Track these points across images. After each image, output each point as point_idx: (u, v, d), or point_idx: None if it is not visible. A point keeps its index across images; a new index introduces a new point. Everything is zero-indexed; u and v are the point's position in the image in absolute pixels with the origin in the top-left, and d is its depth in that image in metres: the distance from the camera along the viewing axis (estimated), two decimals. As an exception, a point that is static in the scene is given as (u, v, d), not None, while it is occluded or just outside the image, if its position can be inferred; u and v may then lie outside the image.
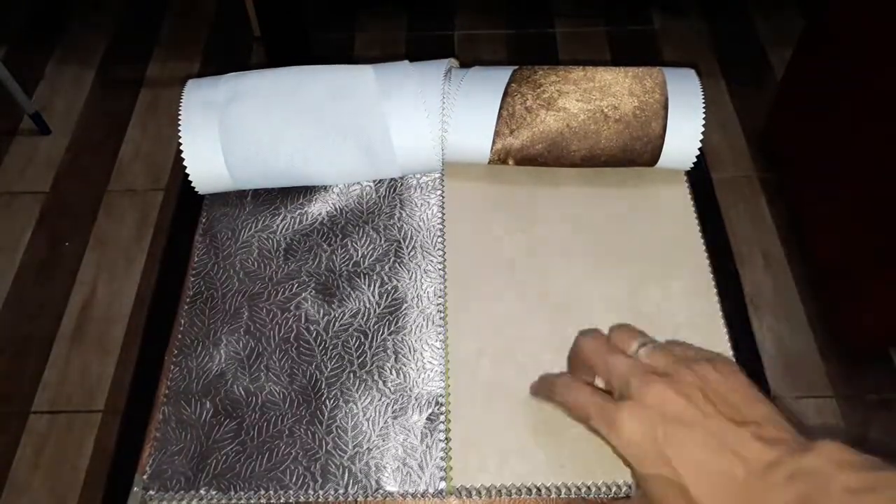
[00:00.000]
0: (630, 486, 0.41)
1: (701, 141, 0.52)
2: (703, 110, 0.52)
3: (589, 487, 0.41)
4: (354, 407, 0.45)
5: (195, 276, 0.51)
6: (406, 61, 0.55)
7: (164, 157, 1.44)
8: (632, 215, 0.53)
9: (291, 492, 0.42)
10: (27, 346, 1.18)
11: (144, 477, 0.42)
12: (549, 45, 1.63)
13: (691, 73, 0.54)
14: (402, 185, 0.55)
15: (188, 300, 0.50)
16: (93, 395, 1.13)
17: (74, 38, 1.67)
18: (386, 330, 0.48)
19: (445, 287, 0.49)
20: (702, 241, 0.52)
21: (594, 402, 0.35)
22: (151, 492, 0.41)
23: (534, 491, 0.41)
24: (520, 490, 0.41)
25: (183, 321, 0.49)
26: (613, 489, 0.41)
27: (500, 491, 0.41)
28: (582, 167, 0.54)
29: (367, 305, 0.49)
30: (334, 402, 0.45)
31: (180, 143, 0.51)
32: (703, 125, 0.52)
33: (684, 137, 0.52)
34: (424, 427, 0.44)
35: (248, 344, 0.47)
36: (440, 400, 0.45)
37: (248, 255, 0.52)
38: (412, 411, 0.44)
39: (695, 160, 0.53)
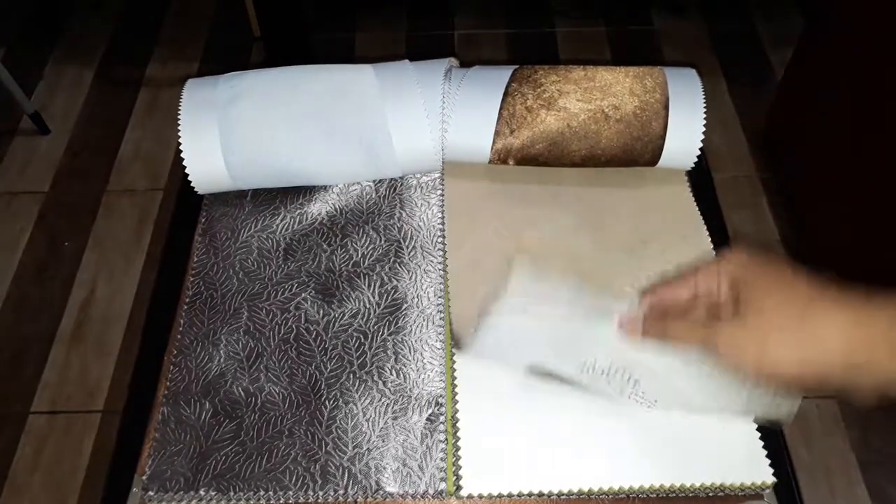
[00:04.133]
0: (627, 492, 0.41)
1: (702, 141, 0.52)
2: (704, 110, 0.52)
3: (590, 491, 0.41)
4: (354, 407, 0.44)
5: (195, 275, 0.51)
6: (406, 61, 0.55)
7: (164, 157, 1.44)
8: (633, 215, 0.53)
9: (291, 492, 0.41)
10: (27, 346, 1.18)
11: (144, 478, 0.42)
12: (549, 45, 1.62)
13: (692, 72, 0.54)
14: (402, 185, 0.55)
15: (188, 300, 0.49)
16: (92, 396, 1.13)
17: (74, 38, 1.66)
18: (386, 330, 0.48)
19: (445, 287, 0.49)
20: (707, 239, 0.51)
21: (699, 334, 0.38)
22: (151, 492, 0.41)
23: (535, 493, 0.41)
24: (520, 492, 0.41)
25: (182, 321, 0.48)
26: (612, 493, 0.41)
27: (500, 493, 0.41)
28: (582, 167, 0.54)
29: (367, 306, 0.49)
30: (334, 402, 0.45)
31: (180, 143, 0.51)
32: (704, 125, 0.52)
33: (685, 137, 0.52)
34: (424, 427, 0.44)
35: (248, 344, 0.47)
36: (440, 400, 0.45)
37: (248, 255, 0.52)
38: (412, 412, 0.44)
39: (696, 160, 0.53)
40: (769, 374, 0.35)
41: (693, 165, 0.54)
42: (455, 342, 0.46)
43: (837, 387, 0.34)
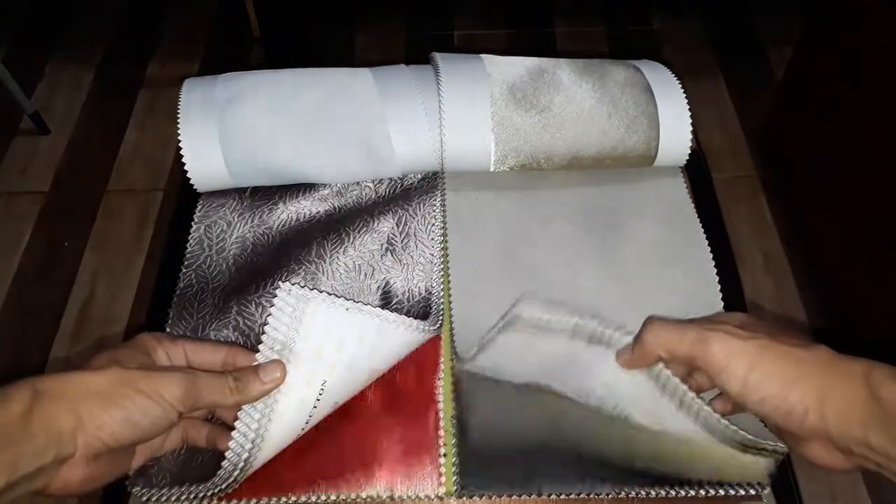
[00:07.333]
0: (630, 492, 0.41)
1: (692, 132, 0.52)
2: (686, 100, 0.52)
3: (589, 492, 0.41)
4: (349, 404, 0.44)
5: (187, 267, 0.50)
6: (402, 65, 0.55)
7: (164, 157, 1.44)
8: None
9: (288, 490, 0.41)
10: (27, 346, 1.18)
11: (130, 472, 0.41)
12: (549, 45, 1.62)
13: (658, 65, 0.55)
14: (401, 184, 0.55)
15: (177, 292, 0.49)
16: (92, 396, 1.13)
17: (74, 38, 1.67)
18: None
19: (446, 285, 0.49)
20: (703, 237, 0.51)
21: (691, 337, 0.36)
22: (137, 488, 0.40)
23: (535, 493, 0.41)
24: (521, 492, 0.41)
25: (171, 314, 0.48)
26: (611, 494, 0.41)
27: (500, 492, 0.41)
28: (580, 167, 0.54)
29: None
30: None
31: (180, 142, 0.51)
32: (690, 115, 0.52)
33: (676, 131, 0.52)
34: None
35: (238, 341, 0.47)
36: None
37: (243, 250, 0.51)
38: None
39: (689, 153, 0.53)
40: (752, 391, 0.34)
41: (688, 158, 0.54)
42: (454, 356, 0.45)
43: (808, 431, 0.33)
